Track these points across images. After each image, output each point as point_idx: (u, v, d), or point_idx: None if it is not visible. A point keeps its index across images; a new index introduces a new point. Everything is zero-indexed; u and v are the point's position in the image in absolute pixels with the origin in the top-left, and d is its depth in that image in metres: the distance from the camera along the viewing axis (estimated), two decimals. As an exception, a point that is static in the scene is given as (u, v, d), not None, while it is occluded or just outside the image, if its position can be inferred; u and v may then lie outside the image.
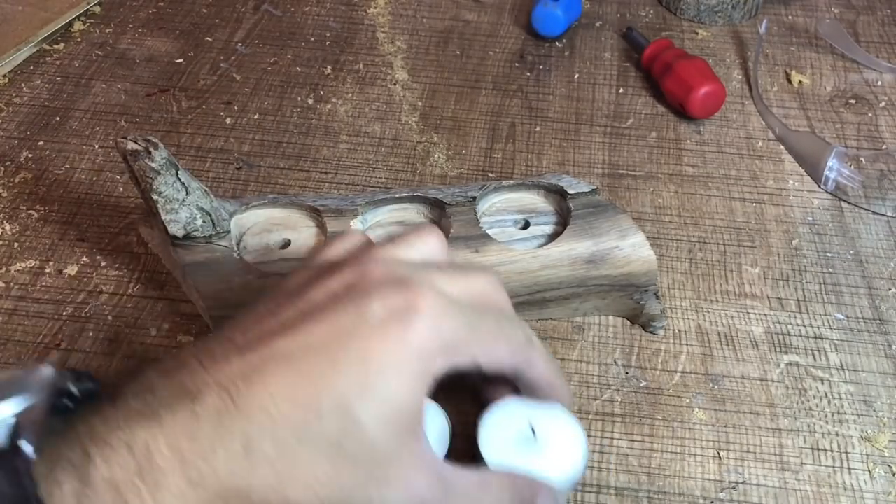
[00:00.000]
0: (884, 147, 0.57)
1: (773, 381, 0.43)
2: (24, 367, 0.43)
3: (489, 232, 0.44)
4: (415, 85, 0.61)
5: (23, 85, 0.61)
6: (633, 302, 0.45)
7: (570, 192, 0.45)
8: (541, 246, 0.44)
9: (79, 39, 0.65)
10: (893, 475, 0.40)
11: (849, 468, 0.40)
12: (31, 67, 0.62)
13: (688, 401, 0.42)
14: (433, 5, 0.69)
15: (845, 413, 0.42)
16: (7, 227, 0.51)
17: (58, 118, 0.58)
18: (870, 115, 0.59)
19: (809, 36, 0.66)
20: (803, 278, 0.48)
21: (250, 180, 0.54)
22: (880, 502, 0.39)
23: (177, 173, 0.40)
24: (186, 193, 0.40)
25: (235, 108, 0.59)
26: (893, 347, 0.45)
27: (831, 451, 0.41)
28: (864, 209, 0.52)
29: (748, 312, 0.46)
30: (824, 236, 0.51)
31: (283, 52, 0.64)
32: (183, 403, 0.27)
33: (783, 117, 0.59)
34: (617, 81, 0.62)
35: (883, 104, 0.60)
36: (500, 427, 0.35)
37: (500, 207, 0.47)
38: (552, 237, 0.44)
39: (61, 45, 0.64)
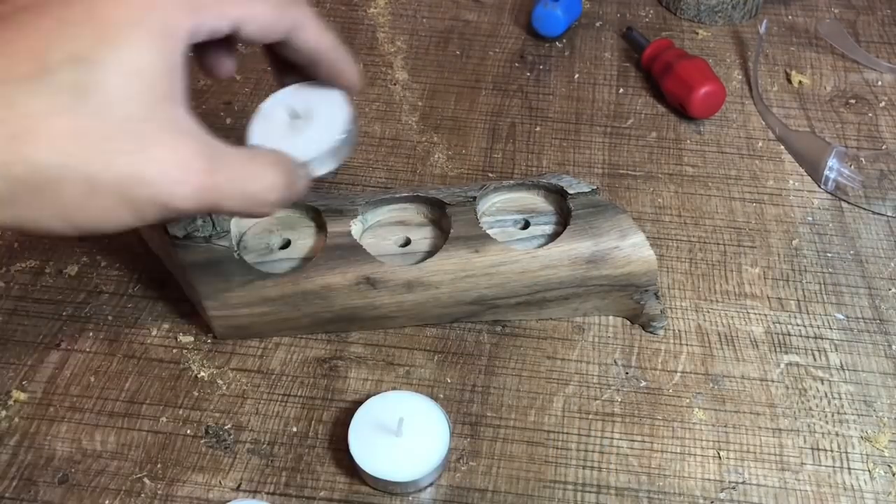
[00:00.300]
0: (884, 147, 0.57)
1: (773, 381, 0.43)
2: None
3: (489, 232, 0.44)
4: (415, 85, 0.61)
5: (23, 85, 0.61)
6: (633, 302, 0.45)
7: (570, 192, 0.45)
8: (541, 246, 0.44)
9: (79, 39, 0.65)
10: (893, 475, 0.40)
11: (849, 468, 0.40)
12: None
13: (688, 401, 0.42)
14: (433, 5, 0.69)
15: (845, 413, 0.42)
16: (7, 227, 0.51)
17: (58, 118, 0.58)
18: (870, 115, 0.59)
19: (809, 36, 0.66)
20: (803, 278, 0.48)
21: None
22: (880, 502, 0.39)
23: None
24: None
25: (235, 108, 0.59)
26: (893, 347, 0.45)
27: (831, 451, 0.41)
28: (864, 209, 0.52)
29: (748, 312, 0.46)
30: (824, 236, 0.51)
31: (283, 52, 0.64)
32: None
33: (783, 117, 0.59)
34: (617, 81, 0.62)
35: (883, 104, 0.60)
36: (271, 113, 0.35)
37: (500, 207, 0.47)
38: (552, 237, 0.44)
39: (61, 45, 0.64)
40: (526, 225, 0.46)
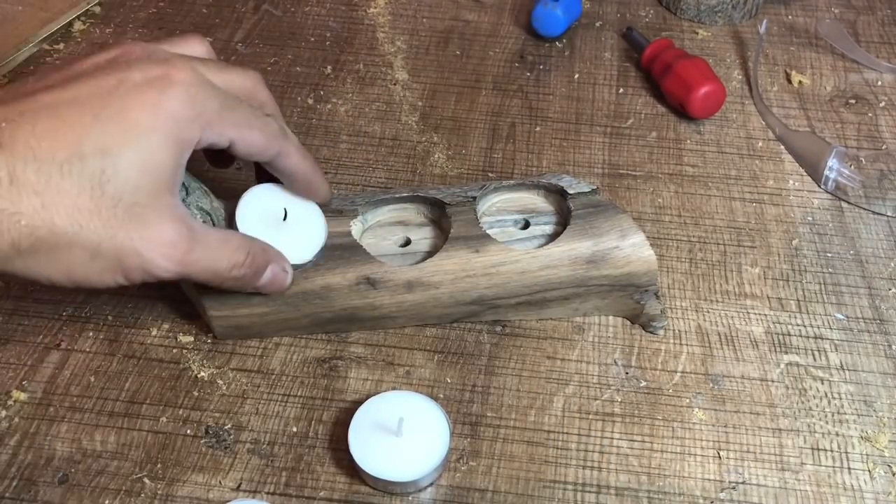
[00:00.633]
0: (884, 147, 0.57)
1: (773, 381, 0.43)
2: None
3: (489, 232, 0.44)
4: (415, 85, 0.61)
5: (23, 85, 0.61)
6: (634, 302, 0.45)
7: (570, 192, 0.45)
8: (541, 246, 0.44)
9: (79, 39, 0.65)
10: (893, 475, 0.40)
11: (849, 468, 0.40)
12: (32, 67, 0.62)
13: (688, 401, 0.42)
14: (433, 5, 0.69)
15: (845, 413, 0.42)
16: (7, 227, 0.50)
17: (58, 118, 0.58)
18: (870, 115, 0.59)
19: (809, 36, 0.66)
20: (803, 278, 0.48)
21: (250, 180, 0.53)
22: (880, 502, 0.39)
23: (177, 173, 0.40)
24: (186, 193, 0.40)
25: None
26: (893, 347, 0.45)
27: (831, 451, 0.41)
28: (864, 209, 0.52)
29: (748, 312, 0.46)
30: (824, 236, 0.51)
31: (283, 52, 0.64)
32: None
33: (783, 117, 0.59)
34: (617, 81, 0.62)
35: (883, 104, 0.60)
36: (257, 204, 0.42)
37: (500, 207, 0.47)
38: (552, 237, 0.44)
39: (61, 45, 0.64)
40: (526, 225, 0.46)
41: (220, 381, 0.43)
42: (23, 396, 0.42)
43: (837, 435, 0.41)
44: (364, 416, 0.39)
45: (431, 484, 0.39)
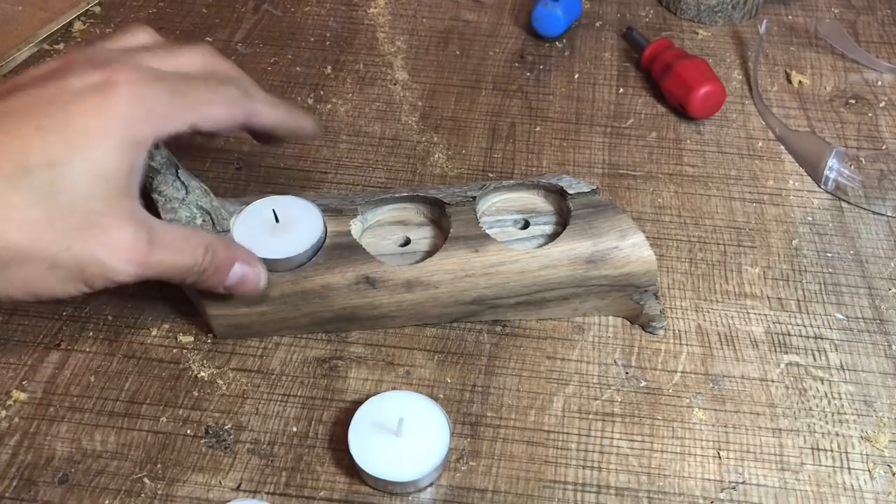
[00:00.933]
0: (884, 147, 0.57)
1: (773, 381, 0.43)
2: None
3: (489, 232, 0.44)
4: (415, 85, 0.61)
5: (23, 85, 0.61)
6: (633, 302, 0.45)
7: (570, 192, 0.45)
8: (541, 246, 0.44)
9: (79, 39, 0.65)
10: (893, 475, 0.40)
11: (849, 468, 0.40)
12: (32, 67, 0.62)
13: (688, 401, 0.42)
14: (433, 5, 0.69)
15: (845, 413, 0.42)
16: (7, 226, 0.50)
17: (58, 118, 0.58)
18: (870, 115, 0.59)
19: (809, 36, 0.66)
20: (803, 278, 0.48)
21: (250, 180, 0.54)
22: (880, 502, 0.39)
23: (177, 172, 0.40)
24: (186, 193, 0.40)
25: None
26: (893, 347, 0.45)
27: (831, 451, 0.41)
28: (864, 209, 0.52)
29: (748, 312, 0.46)
30: (824, 236, 0.51)
31: (283, 52, 0.64)
32: None
33: (783, 117, 0.59)
34: (617, 81, 0.62)
35: (883, 104, 0.60)
36: (252, 214, 0.43)
37: (499, 207, 0.47)
38: (552, 237, 0.44)
39: (61, 45, 0.64)
40: (526, 225, 0.46)
41: (220, 381, 0.43)
42: (23, 396, 0.42)
43: (837, 435, 0.41)
44: (364, 416, 0.39)
45: (431, 484, 0.39)
